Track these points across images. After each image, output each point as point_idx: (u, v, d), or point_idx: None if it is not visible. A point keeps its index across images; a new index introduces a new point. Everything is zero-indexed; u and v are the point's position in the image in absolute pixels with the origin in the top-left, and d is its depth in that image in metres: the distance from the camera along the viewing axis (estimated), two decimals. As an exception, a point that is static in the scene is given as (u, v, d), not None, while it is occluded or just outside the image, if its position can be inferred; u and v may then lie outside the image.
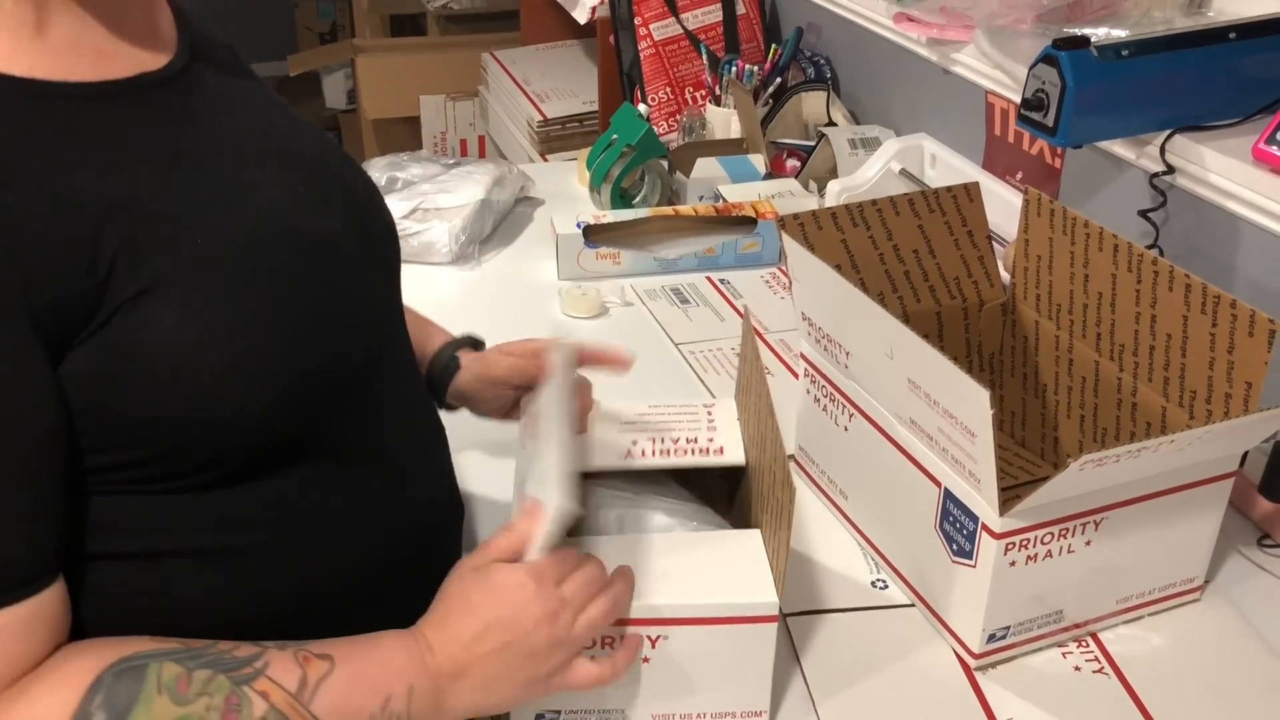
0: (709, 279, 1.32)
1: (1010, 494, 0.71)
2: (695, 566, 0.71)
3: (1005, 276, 1.02)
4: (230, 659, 0.59)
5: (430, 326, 0.93)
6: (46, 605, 0.57)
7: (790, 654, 0.79)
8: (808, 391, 0.92)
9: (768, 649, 0.70)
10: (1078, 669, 0.78)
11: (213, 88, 0.68)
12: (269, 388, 0.62)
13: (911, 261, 0.95)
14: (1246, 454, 0.87)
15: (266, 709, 0.58)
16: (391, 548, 0.73)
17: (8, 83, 0.57)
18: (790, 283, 0.89)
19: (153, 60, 0.64)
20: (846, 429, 0.87)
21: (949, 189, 0.96)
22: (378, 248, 0.75)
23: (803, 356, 0.92)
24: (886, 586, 0.85)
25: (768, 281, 1.32)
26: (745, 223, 1.35)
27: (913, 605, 0.83)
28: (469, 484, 0.93)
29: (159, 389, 0.59)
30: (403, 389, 0.77)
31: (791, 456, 0.98)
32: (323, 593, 0.69)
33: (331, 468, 0.68)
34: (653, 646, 0.70)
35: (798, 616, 0.82)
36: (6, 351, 0.54)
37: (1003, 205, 1.25)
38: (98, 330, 0.57)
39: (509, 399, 0.89)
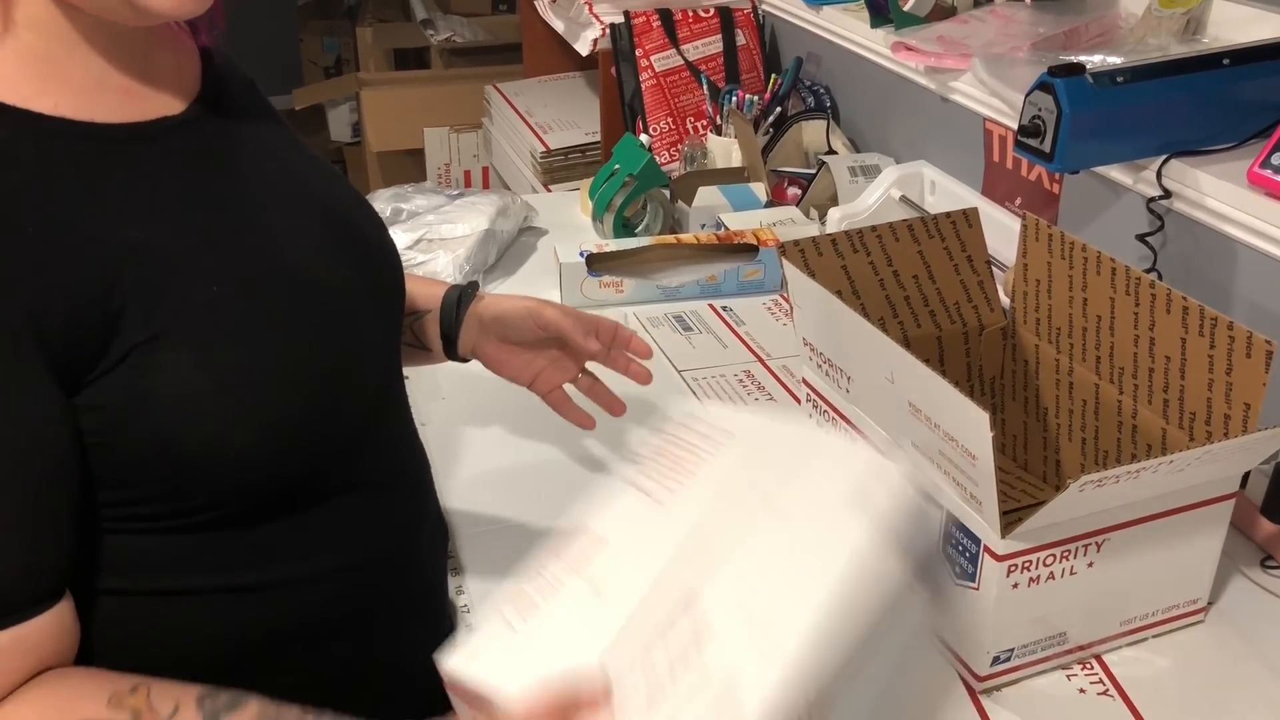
0: (711, 306, 1.33)
1: (1013, 517, 0.72)
2: None
3: (1005, 301, 1.03)
4: None
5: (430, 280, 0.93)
6: (33, 633, 0.56)
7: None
8: (810, 416, 0.93)
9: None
10: (1083, 691, 0.78)
11: (234, 131, 0.68)
12: (275, 436, 0.63)
13: (912, 287, 0.96)
14: (1248, 475, 0.87)
15: None
16: (380, 578, 0.73)
17: (33, 119, 0.58)
18: (791, 308, 0.90)
19: (175, 103, 0.65)
20: (849, 453, 0.87)
21: (948, 215, 0.97)
22: (386, 299, 0.76)
23: (804, 381, 0.93)
24: (891, 610, 0.85)
25: (769, 308, 1.33)
26: (747, 250, 1.36)
27: (917, 629, 0.84)
28: (451, 502, 0.93)
29: (166, 432, 0.59)
30: (398, 431, 0.77)
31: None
32: (314, 627, 0.69)
33: (328, 508, 0.69)
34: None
35: (802, 641, 0.82)
36: (17, 378, 0.55)
37: (1002, 231, 1.26)
38: (109, 371, 0.57)
39: (534, 336, 0.88)
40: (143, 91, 0.63)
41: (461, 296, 0.89)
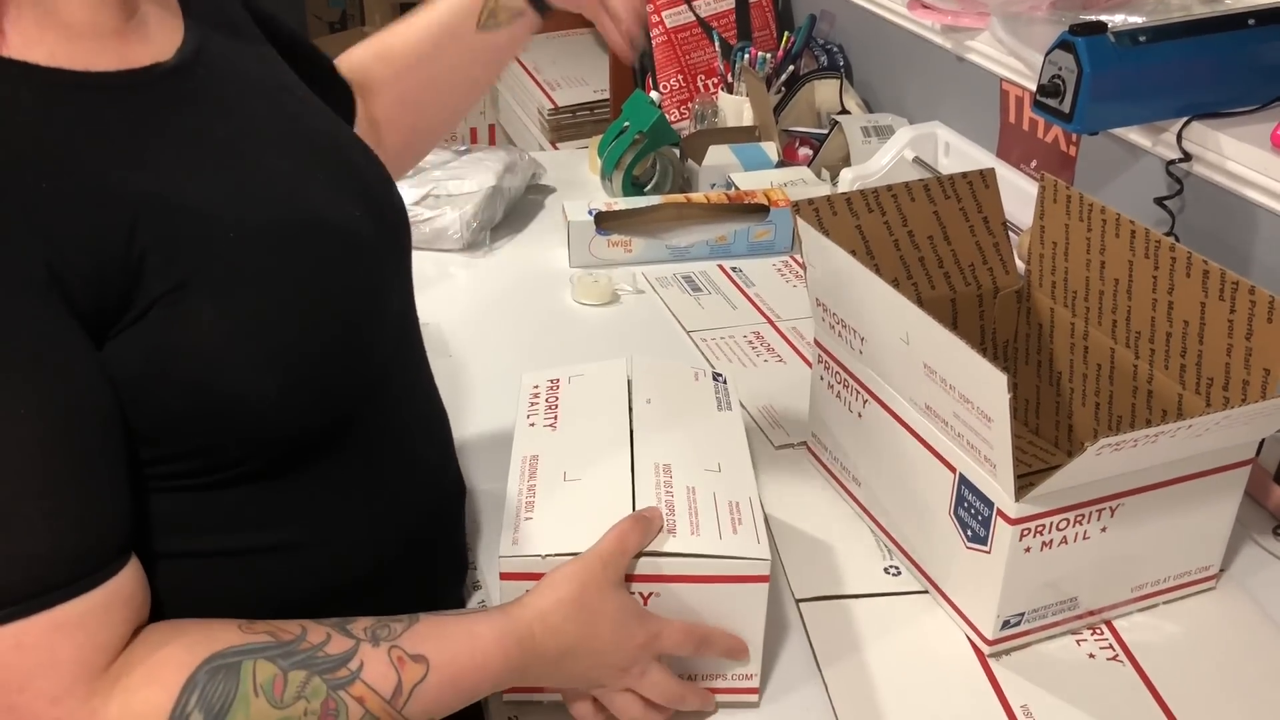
0: (721, 267, 1.32)
1: (1024, 481, 0.71)
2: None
3: (1020, 264, 1.02)
4: (324, 658, 0.58)
5: None
6: (125, 586, 0.56)
7: (804, 639, 0.79)
8: (821, 378, 0.92)
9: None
10: (1092, 656, 0.78)
11: (225, 75, 0.67)
12: (304, 379, 0.62)
13: (926, 248, 0.95)
14: (1263, 443, 0.86)
15: (362, 714, 0.58)
16: (404, 531, 0.73)
17: (33, 71, 0.56)
18: (804, 268, 0.89)
19: (167, 45, 0.64)
20: (860, 415, 0.86)
21: (964, 175, 0.95)
22: (393, 234, 0.75)
23: (816, 342, 0.92)
24: (900, 573, 0.85)
25: (779, 269, 1.32)
26: (758, 210, 1.35)
27: (926, 592, 0.83)
28: (466, 464, 0.93)
29: (195, 384, 0.58)
30: (417, 375, 0.77)
31: (804, 443, 0.98)
32: (342, 579, 0.69)
33: (357, 457, 0.69)
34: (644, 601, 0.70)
35: (811, 602, 0.82)
36: (56, 335, 0.54)
37: (1017, 193, 1.24)
38: (134, 323, 0.57)
39: None
40: (133, 39, 0.62)
41: None
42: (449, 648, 0.61)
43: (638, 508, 0.71)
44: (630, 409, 0.81)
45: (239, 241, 0.60)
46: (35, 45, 0.57)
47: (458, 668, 0.61)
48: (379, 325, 0.69)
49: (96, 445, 0.55)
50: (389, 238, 0.74)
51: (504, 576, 0.68)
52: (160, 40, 0.64)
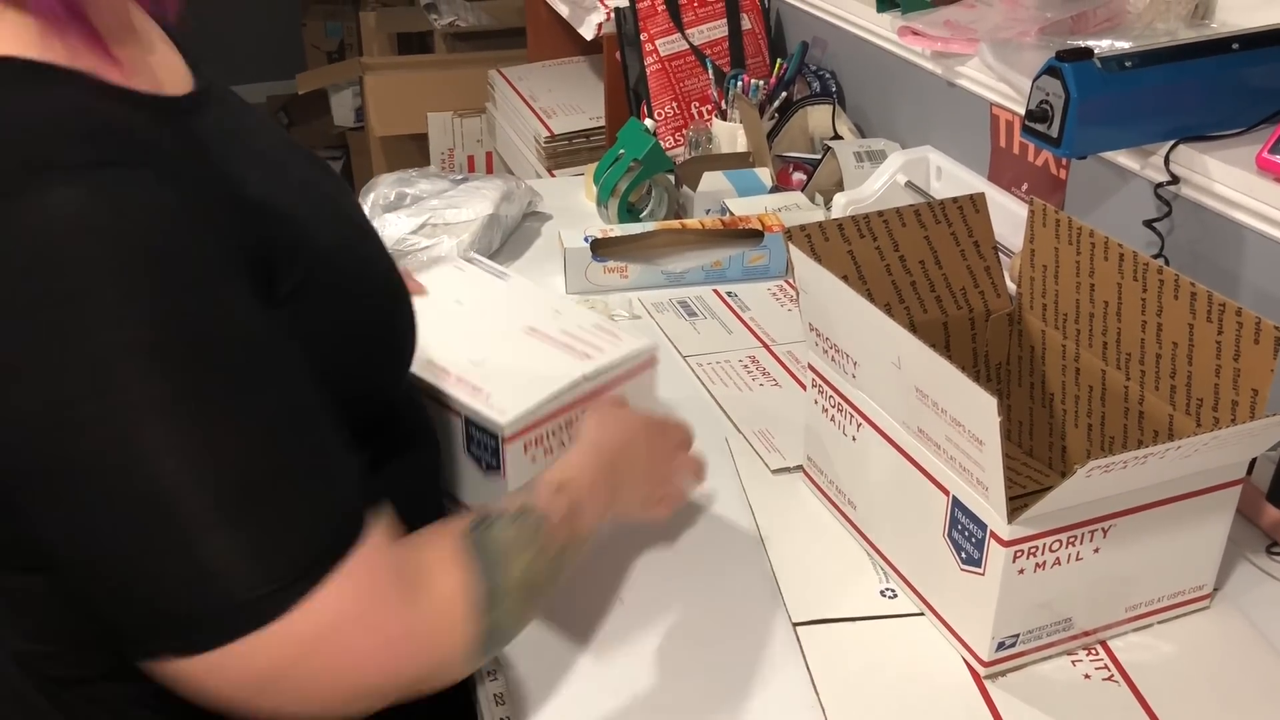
0: (716, 292, 1.33)
1: (1019, 503, 0.72)
2: None
3: (1011, 287, 1.03)
4: (513, 513, 0.68)
5: None
6: (388, 510, 0.62)
7: (800, 662, 0.79)
8: (815, 402, 0.93)
9: None
10: (1087, 676, 0.79)
11: (233, 104, 0.71)
12: (394, 363, 0.75)
13: (918, 272, 0.96)
14: (1255, 462, 0.87)
15: (560, 543, 0.70)
16: (430, 489, 0.86)
17: (131, 95, 0.59)
18: (797, 294, 0.90)
19: (187, 80, 0.67)
20: (854, 439, 0.87)
21: (955, 200, 0.96)
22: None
23: (810, 367, 0.93)
24: (895, 595, 0.85)
25: (774, 294, 1.33)
26: (752, 235, 1.36)
27: (922, 614, 0.84)
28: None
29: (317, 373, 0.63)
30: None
31: (799, 467, 0.99)
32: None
33: (399, 426, 0.79)
34: None
35: (807, 625, 0.83)
36: (253, 309, 0.58)
37: (1008, 217, 1.25)
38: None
39: None
40: (166, 67, 0.65)
41: None
42: (571, 473, 0.75)
43: (546, 358, 0.91)
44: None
45: (326, 246, 0.67)
46: (130, 75, 0.60)
47: (586, 483, 0.75)
48: (414, 318, 0.78)
49: (319, 394, 0.61)
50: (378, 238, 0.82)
51: (509, 439, 0.85)
52: (177, 73, 0.67)
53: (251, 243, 0.59)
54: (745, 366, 1.18)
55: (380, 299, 0.73)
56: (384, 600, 0.58)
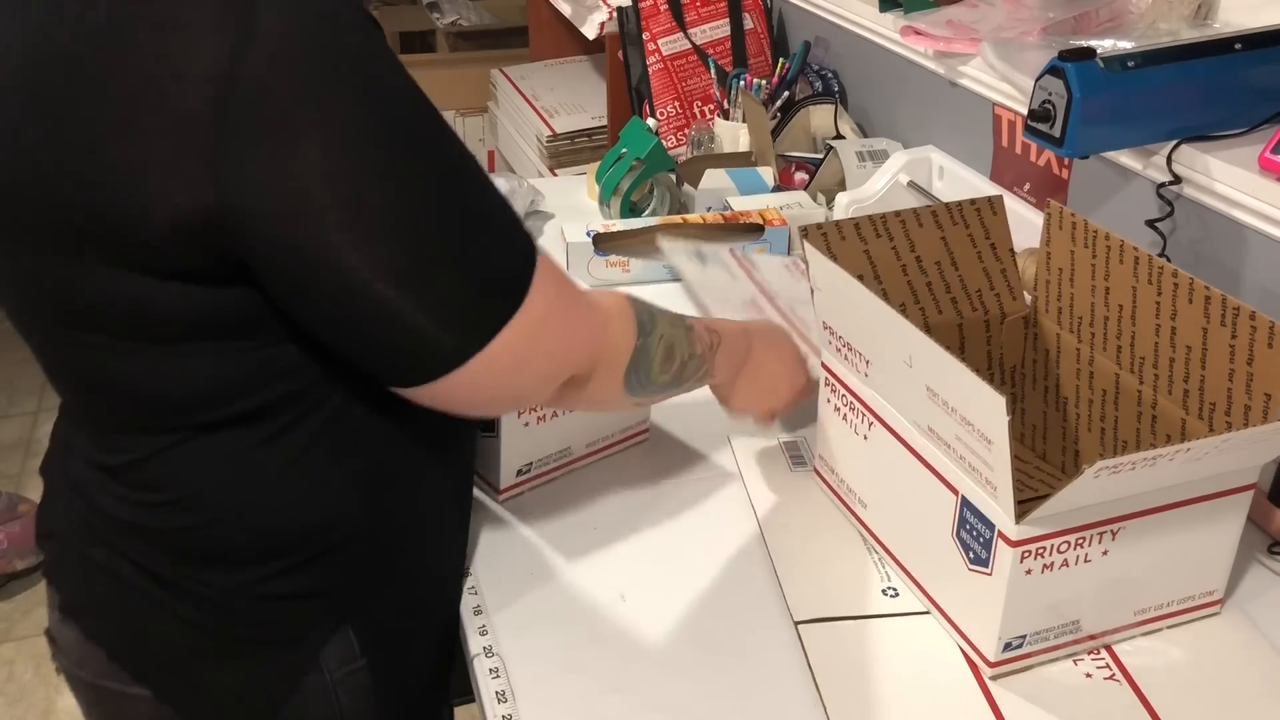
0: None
1: (1030, 506, 0.72)
2: None
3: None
4: (674, 314, 0.82)
5: None
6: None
7: (801, 661, 0.80)
8: (828, 400, 0.93)
9: None
10: (1089, 676, 0.79)
11: None
12: None
13: (934, 273, 0.96)
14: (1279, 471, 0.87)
15: (702, 351, 0.84)
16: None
17: None
18: (811, 293, 0.90)
19: None
20: (866, 438, 0.87)
21: (973, 202, 0.96)
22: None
23: (824, 365, 0.93)
24: (897, 594, 0.86)
25: (788, 268, 1.32)
26: (753, 230, 1.36)
27: (925, 613, 0.84)
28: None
29: None
30: None
31: (814, 468, 0.99)
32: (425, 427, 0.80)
33: None
34: None
35: (808, 624, 0.83)
36: None
37: (1011, 216, 1.25)
38: None
39: None
40: None
41: None
42: (726, 329, 0.88)
43: None
44: None
45: None
46: None
47: (731, 345, 0.88)
48: None
49: None
50: None
51: None
52: None
53: None
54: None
55: None
56: (577, 297, 0.72)
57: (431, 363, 0.66)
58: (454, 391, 0.67)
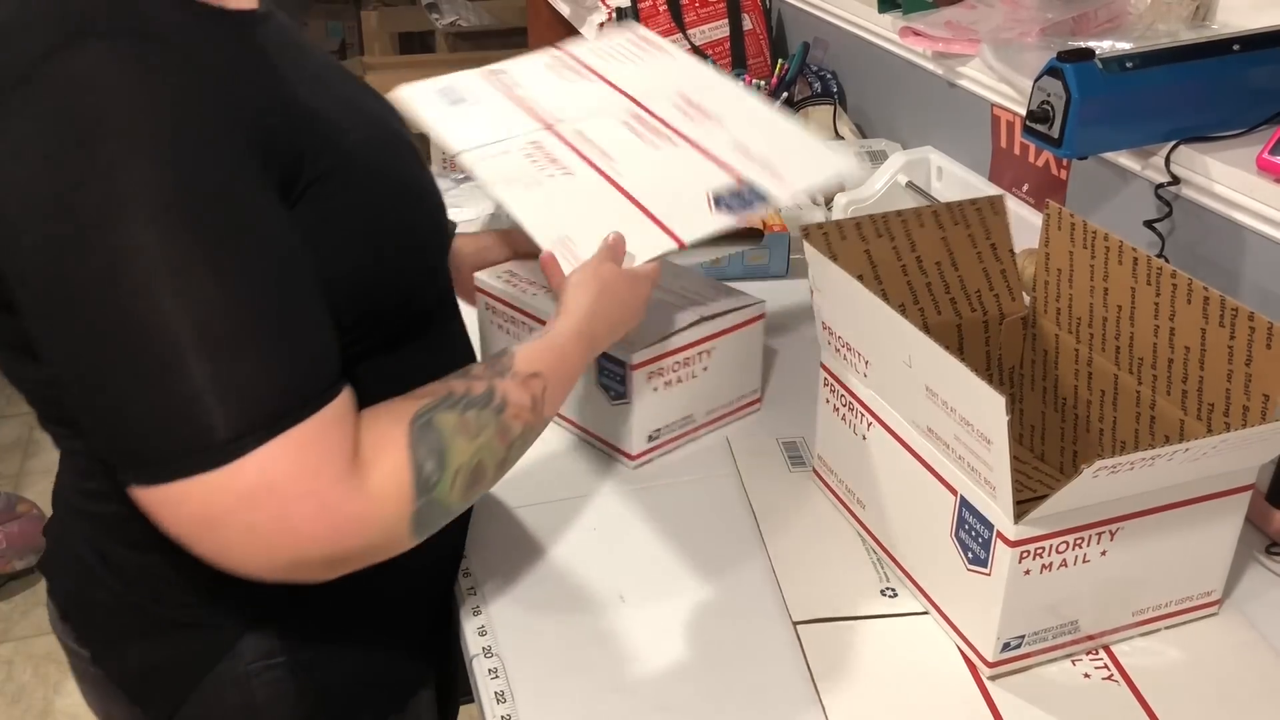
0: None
1: (1029, 506, 0.72)
2: None
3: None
4: (478, 398, 0.71)
5: None
6: (350, 391, 0.66)
7: (800, 661, 0.80)
8: (827, 401, 0.93)
9: None
10: (1087, 676, 0.79)
11: (290, 24, 0.78)
12: (419, 258, 0.78)
13: (934, 273, 0.96)
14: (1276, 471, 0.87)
15: (522, 427, 0.74)
16: None
17: (207, 9, 0.67)
18: (811, 293, 0.90)
19: (253, 3, 0.73)
20: (865, 438, 0.88)
21: (974, 202, 0.96)
22: (423, 147, 0.89)
23: (823, 366, 0.93)
24: (896, 595, 0.86)
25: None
26: (752, 235, 1.36)
27: (924, 614, 0.84)
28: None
29: (332, 261, 0.68)
30: (455, 304, 0.91)
31: (813, 468, 0.99)
32: None
33: (437, 329, 0.84)
34: None
35: (808, 625, 0.83)
36: (270, 196, 0.64)
37: (1009, 217, 1.25)
38: (294, 205, 0.66)
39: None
40: None
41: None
42: (550, 360, 0.78)
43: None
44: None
45: (357, 144, 0.72)
46: None
47: (561, 371, 0.79)
48: (444, 213, 0.83)
49: (314, 281, 0.65)
50: (422, 150, 0.87)
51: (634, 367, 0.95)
52: None
53: (274, 133, 0.65)
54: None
55: (403, 201, 0.76)
56: (328, 471, 0.62)
57: (118, 466, 0.62)
58: (149, 510, 0.62)
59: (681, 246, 0.88)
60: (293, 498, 0.60)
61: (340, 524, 0.62)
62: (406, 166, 0.79)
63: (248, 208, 0.62)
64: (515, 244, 1.07)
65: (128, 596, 0.78)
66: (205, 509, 0.60)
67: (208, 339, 0.58)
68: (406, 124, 0.88)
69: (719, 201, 0.90)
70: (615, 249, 0.87)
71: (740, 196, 0.91)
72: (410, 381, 0.72)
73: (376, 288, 0.73)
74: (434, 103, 1.03)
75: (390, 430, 0.66)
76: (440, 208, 0.82)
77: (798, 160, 0.95)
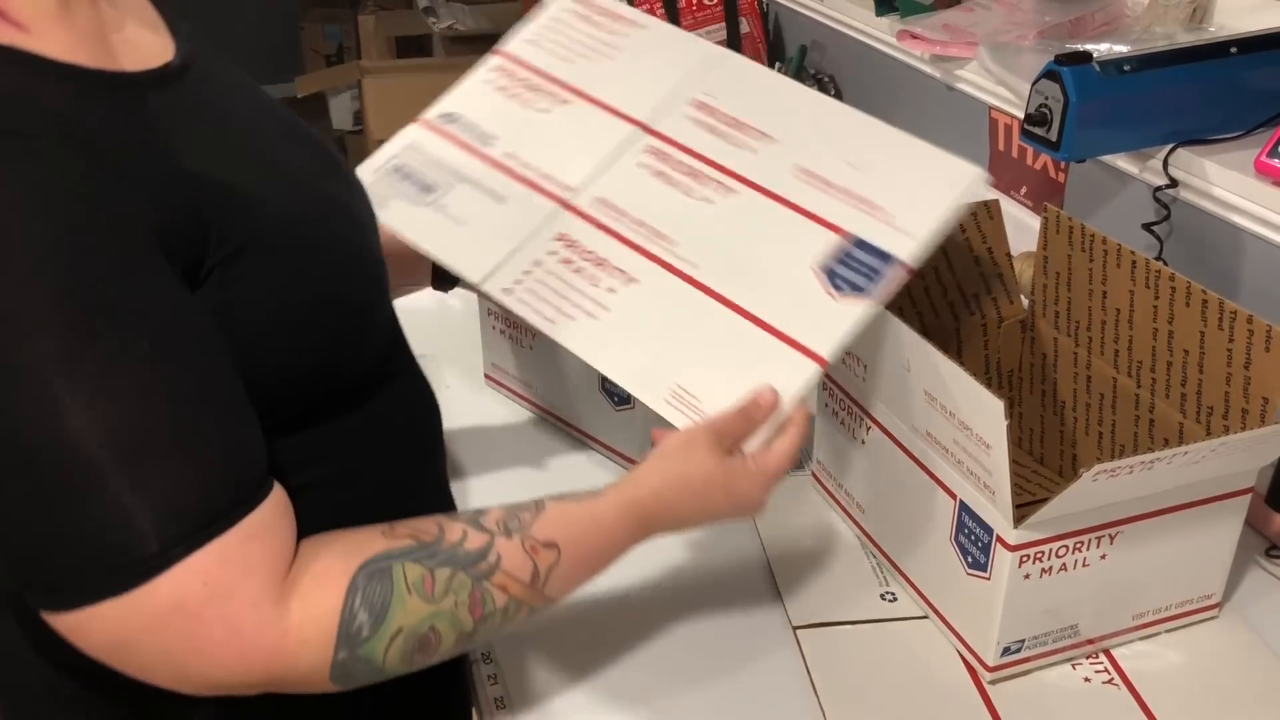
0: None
1: (1028, 510, 0.72)
2: None
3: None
4: (465, 554, 0.63)
5: None
6: (281, 499, 0.61)
7: (800, 665, 0.80)
8: (826, 405, 0.93)
9: None
10: (1087, 680, 0.79)
11: (217, 75, 0.72)
12: (353, 324, 0.70)
13: (931, 277, 0.96)
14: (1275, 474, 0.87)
15: (506, 600, 0.64)
16: (420, 455, 0.80)
17: (78, 71, 0.60)
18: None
19: (165, 50, 0.67)
20: (864, 442, 0.88)
21: (969, 205, 0.96)
22: (368, 208, 0.79)
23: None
24: (895, 599, 0.86)
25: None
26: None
27: (923, 618, 0.84)
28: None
29: (247, 340, 0.62)
30: (409, 356, 0.83)
31: (812, 472, 0.99)
32: (375, 507, 0.71)
33: (385, 394, 0.75)
34: None
35: (808, 629, 0.83)
36: (177, 286, 0.59)
37: (1007, 220, 1.25)
38: (199, 286, 0.61)
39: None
40: (136, 40, 0.65)
41: None
42: (576, 532, 0.67)
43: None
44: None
45: (276, 216, 0.66)
46: (72, 49, 0.60)
47: (586, 548, 0.67)
48: (381, 284, 0.75)
49: (235, 379, 0.61)
50: (372, 223, 0.78)
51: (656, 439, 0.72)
52: (162, 42, 0.68)
53: (175, 214, 0.60)
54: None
55: (329, 270, 0.69)
56: (243, 593, 0.57)
57: (25, 591, 0.58)
58: (62, 634, 0.58)
59: (824, 366, 0.67)
60: (203, 620, 0.56)
61: (248, 653, 0.58)
62: (335, 230, 0.71)
63: (152, 307, 0.57)
64: None
65: (35, 661, 0.70)
66: (117, 633, 0.56)
67: (112, 456, 0.55)
68: (348, 177, 0.79)
69: (833, 278, 0.65)
70: (750, 415, 0.70)
71: (854, 263, 0.65)
72: (353, 453, 0.68)
73: (303, 361, 0.67)
74: (402, 194, 0.84)
75: (334, 566, 0.61)
76: (377, 269, 0.74)
77: (904, 180, 0.69)
